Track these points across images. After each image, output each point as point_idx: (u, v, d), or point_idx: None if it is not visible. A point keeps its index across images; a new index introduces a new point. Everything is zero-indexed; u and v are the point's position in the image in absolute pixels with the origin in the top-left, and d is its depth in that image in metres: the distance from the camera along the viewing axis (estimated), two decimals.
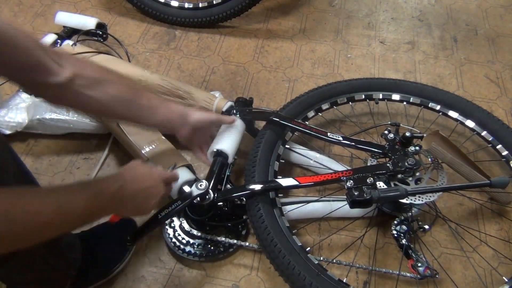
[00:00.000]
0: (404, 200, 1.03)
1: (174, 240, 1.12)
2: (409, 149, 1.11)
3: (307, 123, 1.24)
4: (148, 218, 1.02)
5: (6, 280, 0.90)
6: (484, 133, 1.26)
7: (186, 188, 1.08)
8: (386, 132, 1.16)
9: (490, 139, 1.24)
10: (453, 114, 1.30)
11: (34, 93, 0.76)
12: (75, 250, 1.00)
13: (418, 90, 1.34)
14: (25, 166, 0.91)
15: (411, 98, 1.33)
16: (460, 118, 1.29)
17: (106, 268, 1.07)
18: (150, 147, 1.16)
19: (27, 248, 0.77)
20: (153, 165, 0.98)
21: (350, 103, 1.34)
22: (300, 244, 1.00)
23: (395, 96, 1.34)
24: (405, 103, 1.34)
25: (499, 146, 1.23)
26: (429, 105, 1.32)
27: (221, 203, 1.09)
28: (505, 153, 1.21)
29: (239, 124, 1.18)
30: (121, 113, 0.90)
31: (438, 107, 1.31)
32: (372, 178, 1.03)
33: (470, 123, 1.28)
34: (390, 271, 1.07)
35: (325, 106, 1.31)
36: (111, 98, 0.85)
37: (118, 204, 0.79)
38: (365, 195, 0.99)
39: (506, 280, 1.08)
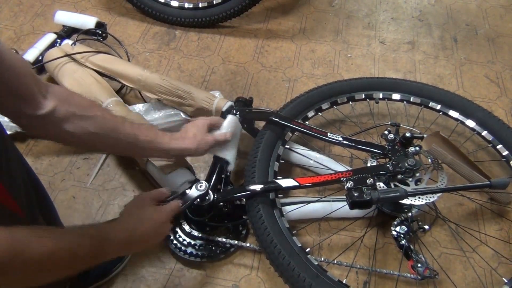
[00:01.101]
0: (404, 201, 1.03)
1: (175, 241, 1.11)
2: (409, 149, 1.11)
3: (307, 123, 1.24)
4: None
5: None
6: (484, 133, 1.25)
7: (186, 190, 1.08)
8: (386, 132, 1.16)
9: (490, 139, 1.24)
10: (453, 113, 1.30)
11: (15, 122, 0.75)
12: None
13: (418, 89, 1.34)
14: (29, 165, 0.91)
15: (411, 98, 1.33)
16: (461, 117, 1.29)
17: (106, 268, 1.07)
18: None
19: None
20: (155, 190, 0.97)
21: (350, 102, 1.34)
22: (300, 244, 1.00)
23: (395, 96, 1.34)
24: (405, 102, 1.34)
25: (499, 146, 1.23)
26: (429, 105, 1.32)
27: (221, 204, 1.09)
28: (505, 153, 1.21)
29: (238, 129, 1.17)
30: (104, 148, 0.90)
31: (438, 107, 1.31)
32: (372, 179, 1.03)
33: (470, 123, 1.27)
34: (390, 271, 1.07)
35: (325, 106, 1.31)
36: (90, 134, 0.82)
37: (125, 249, 0.82)
38: (365, 196, 0.99)
39: (506, 280, 1.07)
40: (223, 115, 1.25)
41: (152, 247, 0.88)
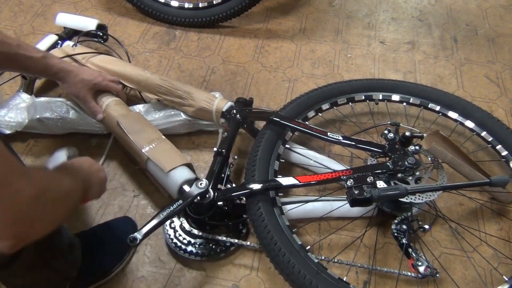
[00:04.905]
0: (404, 199, 1.03)
1: (175, 240, 1.11)
2: (409, 148, 1.11)
3: (307, 123, 1.24)
4: (150, 219, 1.02)
5: (6, 282, 0.90)
6: (483, 133, 1.26)
7: (186, 188, 1.08)
8: (386, 131, 1.16)
9: (489, 140, 1.25)
10: (452, 114, 1.30)
11: None
12: (75, 250, 1.00)
13: (418, 91, 1.34)
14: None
15: (411, 99, 1.33)
16: (460, 118, 1.29)
17: (106, 268, 1.07)
18: (150, 146, 1.16)
19: (28, 251, 0.79)
20: None
21: (350, 103, 1.34)
22: (300, 243, 1.00)
23: (395, 97, 1.34)
24: (405, 103, 1.34)
25: (498, 147, 1.23)
26: (429, 106, 1.32)
27: (221, 202, 1.09)
28: (504, 153, 1.22)
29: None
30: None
31: (437, 108, 1.31)
32: (372, 177, 1.03)
33: (469, 124, 1.28)
34: (391, 270, 1.07)
35: (325, 107, 1.31)
36: None
37: (88, 185, 0.87)
38: (365, 194, 0.99)
39: (506, 279, 1.08)
40: (223, 115, 1.26)
41: (103, 190, 0.96)
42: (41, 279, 0.93)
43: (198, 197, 1.04)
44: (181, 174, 1.10)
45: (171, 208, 1.01)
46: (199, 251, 1.10)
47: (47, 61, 1.11)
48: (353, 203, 1.00)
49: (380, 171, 1.06)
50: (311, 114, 1.29)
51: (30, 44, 1.10)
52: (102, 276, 1.07)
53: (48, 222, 0.64)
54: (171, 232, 1.13)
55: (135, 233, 0.98)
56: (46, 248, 0.87)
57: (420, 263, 1.01)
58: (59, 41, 1.44)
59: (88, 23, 1.51)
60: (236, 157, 1.28)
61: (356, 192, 1.00)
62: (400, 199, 1.03)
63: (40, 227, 0.62)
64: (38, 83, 1.46)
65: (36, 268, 0.88)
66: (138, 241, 0.97)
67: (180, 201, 1.02)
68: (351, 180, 1.03)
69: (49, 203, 0.62)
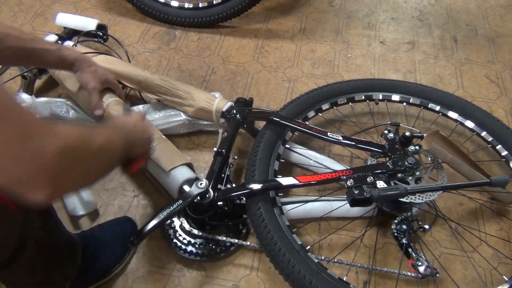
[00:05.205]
0: (404, 199, 1.03)
1: (175, 240, 1.12)
2: (409, 148, 1.11)
3: (307, 123, 1.24)
4: (150, 219, 1.02)
5: (7, 282, 0.90)
6: (483, 133, 1.26)
7: (186, 188, 1.08)
8: (386, 131, 1.16)
9: (489, 140, 1.25)
10: (452, 114, 1.30)
11: None
12: (76, 250, 1.00)
13: (418, 90, 1.34)
14: None
15: (411, 99, 1.33)
16: (460, 118, 1.29)
17: (106, 268, 1.07)
18: None
19: (28, 251, 0.78)
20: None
21: (350, 103, 1.34)
22: (300, 243, 1.00)
23: (395, 97, 1.34)
24: (405, 103, 1.34)
25: (498, 147, 1.23)
26: (429, 106, 1.32)
27: (221, 202, 1.09)
28: (504, 153, 1.22)
29: None
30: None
31: (437, 108, 1.31)
32: (372, 177, 1.03)
33: (469, 124, 1.28)
34: (391, 270, 1.07)
35: (325, 106, 1.31)
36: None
37: (131, 144, 0.87)
38: (365, 194, 0.99)
39: (506, 279, 1.08)
40: (223, 115, 1.26)
41: (150, 147, 0.97)
42: (41, 279, 0.92)
43: (198, 197, 1.04)
44: (182, 174, 1.10)
45: (171, 208, 1.01)
46: (199, 251, 1.10)
47: (62, 53, 1.13)
48: (353, 203, 1.00)
49: (380, 171, 1.06)
50: (311, 114, 1.29)
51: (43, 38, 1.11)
52: (102, 276, 1.07)
53: (81, 177, 0.66)
54: (171, 232, 1.13)
55: (135, 234, 0.98)
56: (46, 248, 0.87)
57: (420, 263, 1.01)
58: (59, 41, 1.44)
59: (88, 23, 1.51)
60: (236, 157, 1.28)
61: (356, 192, 1.00)
62: (400, 199, 1.03)
63: (71, 182, 0.64)
64: (38, 83, 1.46)
65: (36, 268, 0.88)
66: (138, 241, 0.97)
67: (180, 201, 1.02)
68: (351, 180, 1.03)
69: (78, 158, 0.63)
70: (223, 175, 1.13)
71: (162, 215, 1.01)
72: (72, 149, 0.61)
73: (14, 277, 0.88)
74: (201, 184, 1.04)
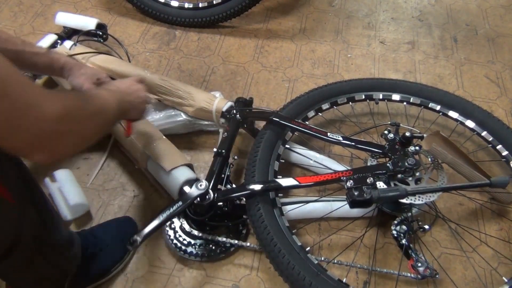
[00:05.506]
0: (404, 200, 1.03)
1: (175, 241, 1.12)
2: (409, 149, 1.11)
3: (307, 123, 1.24)
4: (150, 220, 1.02)
5: (6, 278, 0.90)
6: (484, 133, 1.26)
7: (186, 189, 1.08)
8: (386, 132, 1.16)
9: (490, 139, 1.24)
10: (453, 114, 1.30)
11: None
12: (74, 246, 1.00)
13: (418, 90, 1.34)
14: (27, 169, 0.91)
15: (411, 98, 1.33)
16: (460, 118, 1.29)
17: (105, 268, 1.07)
18: (151, 146, 1.16)
19: (26, 244, 0.79)
20: None
21: (350, 103, 1.34)
22: (300, 243, 1.00)
23: (395, 96, 1.34)
24: (405, 103, 1.34)
25: (499, 147, 1.23)
26: (429, 106, 1.32)
27: (221, 203, 1.09)
28: (505, 153, 1.21)
29: None
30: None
31: (438, 107, 1.31)
32: (372, 178, 1.03)
33: (470, 123, 1.28)
34: (390, 271, 1.07)
35: (325, 106, 1.31)
36: None
37: (126, 105, 0.93)
38: (365, 195, 0.99)
39: (506, 280, 1.08)
40: (223, 115, 1.26)
41: (143, 110, 1.02)
42: (40, 274, 0.92)
43: (198, 199, 1.04)
44: (182, 174, 1.10)
45: (171, 209, 1.01)
46: (199, 252, 1.11)
47: (52, 56, 1.13)
48: (353, 204, 1.00)
49: (380, 171, 1.06)
50: (311, 114, 1.29)
51: (32, 42, 1.11)
52: (102, 276, 1.07)
53: (79, 138, 0.70)
54: (171, 233, 1.13)
55: (135, 235, 0.98)
56: (44, 243, 0.87)
57: (419, 264, 1.01)
58: (59, 41, 1.44)
59: (88, 22, 1.51)
60: (236, 157, 1.28)
61: (356, 193, 1.00)
62: (400, 200, 1.03)
63: (70, 143, 0.67)
64: (38, 83, 1.46)
65: (35, 263, 0.87)
66: (138, 243, 0.97)
67: (180, 203, 1.02)
68: (351, 181, 1.03)
69: (76, 121, 0.67)
70: (223, 176, 1.13)
71: (162, 217, 1.01)
72: (70, 113, 0.65)
73: (13, 273, 0.88)
74: (201, 185, 1.04)
